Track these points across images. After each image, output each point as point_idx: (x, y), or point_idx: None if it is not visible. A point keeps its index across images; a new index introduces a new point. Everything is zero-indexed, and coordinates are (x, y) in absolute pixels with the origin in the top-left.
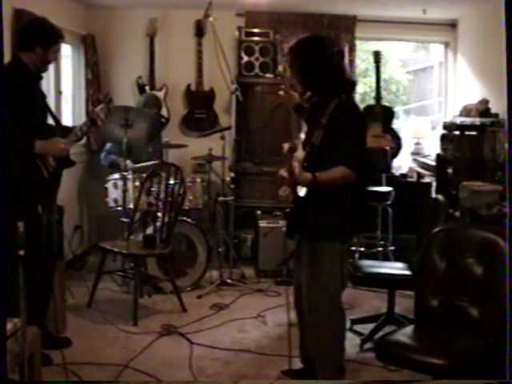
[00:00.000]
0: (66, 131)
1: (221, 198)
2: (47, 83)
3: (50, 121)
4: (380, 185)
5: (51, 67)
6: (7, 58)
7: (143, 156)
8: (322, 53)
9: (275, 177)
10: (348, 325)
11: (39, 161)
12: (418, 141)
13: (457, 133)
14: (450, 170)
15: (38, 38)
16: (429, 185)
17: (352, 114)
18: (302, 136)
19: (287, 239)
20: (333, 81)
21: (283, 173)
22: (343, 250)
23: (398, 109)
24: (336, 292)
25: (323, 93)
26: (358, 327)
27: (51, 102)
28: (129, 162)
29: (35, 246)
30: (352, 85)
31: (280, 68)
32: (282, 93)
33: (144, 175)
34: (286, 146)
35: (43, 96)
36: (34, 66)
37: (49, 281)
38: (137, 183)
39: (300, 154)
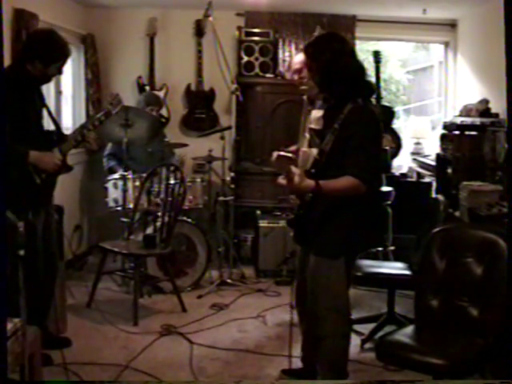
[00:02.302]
0: (64, 135)
1: (221, 198)
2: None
3: (49, 124)
4: None
5: None
6: (7, 58)
7: (143, 156)
8: (342, 52)
9: (275, 183)
10: None
11: (31, 167)
12: (418, 141)
13: (457, 133)
14: (449, 170)
15: (38, 53)
16: (429, 185)
17: (366, 120)
18: (307, 135)
19: (287, 239)
20: (350, 82)
21: (282, 180)
22: (350, 264)
23: (397, 109)
24: (343, 303)
25: (339, 95)
26: (358, 327)
27: (51, 102)
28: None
29: (29, 250)
30: (371, 88)
31: (281, 68)
32: (304, 87)
33: (144, 175)
34: (275, 154)
35: (43, 99)
36: (36, 76)
37: (49, 283)
38: (137, 183)
39: (305, 151)
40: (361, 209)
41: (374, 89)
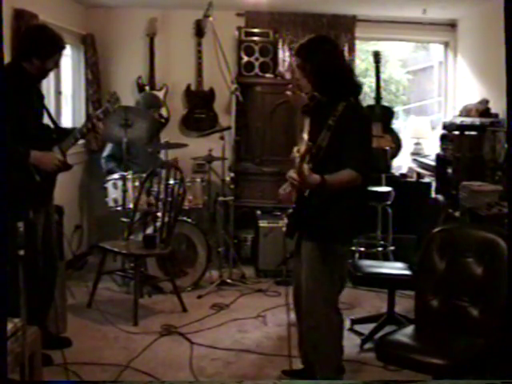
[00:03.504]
0: (64, 133)
1: (221, 198)
2: (47, 83)
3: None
4: (380, 185)
5: None
6: (7, 58)
7: (142, 157)
8: (335, 53)
9: (285, 178)
10: (348, 325)
11: (31, 166)
12: (418, 141)
13: (457, 133)
14: (449, 170)
15: (35, 50)
16: (429, 185)
17: (360, 117)
18: (305, 136)
19: (287, 239)
20: (343, 82)
21: (293, 174)
22: (344, 252)
23: (397, 109)
24: (333, 293)
25: (333, 94)
26: (358, 327)
27: (51, 102)
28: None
29: (29, 250)
30: (360, 87)
31: (281, 68)
32: (288, 93)
33: (144, 175)
34: (296, 149)
35: (41, 97)
36: (33, 73)
37: (50, 283)
38: (137, 183)
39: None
40: (354, 198)
41: (362, 88)
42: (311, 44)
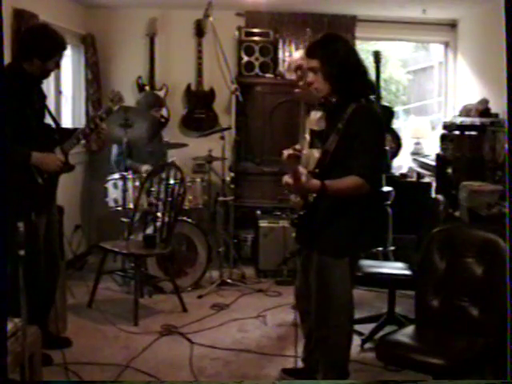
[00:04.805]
0: (66, 134)
1: (221, 198)
2: (47, 83)
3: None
4: None
5: None
6: (7, 58)
7: (142, 156)
8: (351, 50)
9: (281, 184)
10: None
11: (34, 168)
12: (418, 141)
13: (457, 133)
14: (449, 170)
15: (36, 50)
16: (429, 185)
17: (370, 120)
18: (307, 136)
19: (287, 239)
20: (360, 82)
21: (288, 179)
22: (354, 263)
23: (397, 109)
24: (347, 302)
25: (346, 95)
26: (358, 327)
27: (51, 102)
28: (147, 167)
29: (31, 251)
30: (373, 87)
31: (281, 68)
32: (298, 90)
33: (144, 175)
34: (285, 152)
35: (43, 98)
36: (34, 74)
37: (51, 283)
38: (137, 183)
39: (306, 153)
40: (365, 209)
41: (375, 88)
42: (326, 44)
